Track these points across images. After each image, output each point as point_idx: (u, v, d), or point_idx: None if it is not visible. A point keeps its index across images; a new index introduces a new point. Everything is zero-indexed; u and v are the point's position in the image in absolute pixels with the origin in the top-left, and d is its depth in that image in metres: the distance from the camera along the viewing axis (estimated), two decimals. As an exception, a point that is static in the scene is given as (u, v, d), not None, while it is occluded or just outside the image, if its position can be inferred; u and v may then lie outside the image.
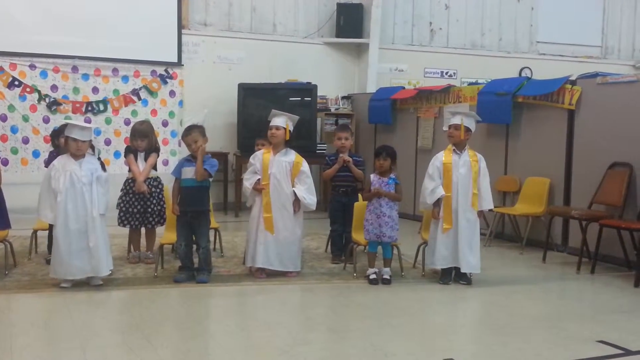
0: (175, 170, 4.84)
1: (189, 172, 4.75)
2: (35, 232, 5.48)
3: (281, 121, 4.89)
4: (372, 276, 4.83)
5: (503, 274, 5.24)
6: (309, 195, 4.94)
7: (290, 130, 4.92)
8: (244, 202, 5.74)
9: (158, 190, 5.28)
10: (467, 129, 4.81)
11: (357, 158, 5.47)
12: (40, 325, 3.96)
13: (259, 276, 4.88)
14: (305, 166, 4.96)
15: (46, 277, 4.69)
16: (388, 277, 4.81)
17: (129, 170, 5.26)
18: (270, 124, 4.90)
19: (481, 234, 5.09)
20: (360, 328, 3.92)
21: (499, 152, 6.63)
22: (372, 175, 4.90)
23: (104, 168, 4.80)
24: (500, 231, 6.62)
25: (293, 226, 4.94)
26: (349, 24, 9.21)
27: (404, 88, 8.38)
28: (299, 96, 8.43)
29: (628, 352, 3.50)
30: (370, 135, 8.57)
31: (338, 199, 5.46)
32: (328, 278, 5.00)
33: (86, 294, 4.49)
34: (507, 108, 6.35)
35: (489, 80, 7.25)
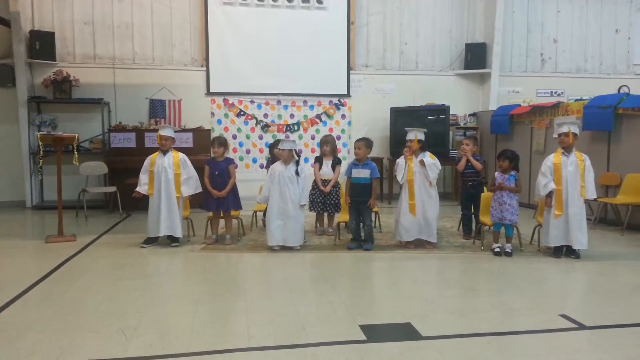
0: (347, 171, 6.21)
1: (356, 173, 6.06)
2: (254, 212, 7.63)
3: (412, 135, 6.07)
4: (497, 249, 5.86)
5: (606, 251, 6.15)
6: (435, 166, 5.97)
7: (420, 140, 6.02)
8: (395, 193, 7.06)
9: (337, 189, 6.79)
10: (575, 135, 5.72)
11: (478, 157, 6.88)
12: (261, 274, 5.23)
13: (409, 247, 6.19)
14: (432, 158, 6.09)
15: (264, 243, 6.23)
16: (509, 251, 5.82)
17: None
18: (407, 138, 6.20)
19: (587, 219, 5.89)
20: (488, 289, 4.73)
21: (602, 153, 7.95)
22: (496, 173, 5.89)
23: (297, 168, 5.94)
24: (604, 217, 7.94)
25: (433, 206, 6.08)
26: (475, 58, 11.36)
27: (520, 105, 10.28)
28: (435, 115, 10.46)
29: None
30: (492, 143, 10.71)
31: (467, 190, 6.90)
32: (461, 250, 6.09)
33: (288, 254, 5.82)
34: (609, 118, 7.60)
35: (593, 97, 8.47)
